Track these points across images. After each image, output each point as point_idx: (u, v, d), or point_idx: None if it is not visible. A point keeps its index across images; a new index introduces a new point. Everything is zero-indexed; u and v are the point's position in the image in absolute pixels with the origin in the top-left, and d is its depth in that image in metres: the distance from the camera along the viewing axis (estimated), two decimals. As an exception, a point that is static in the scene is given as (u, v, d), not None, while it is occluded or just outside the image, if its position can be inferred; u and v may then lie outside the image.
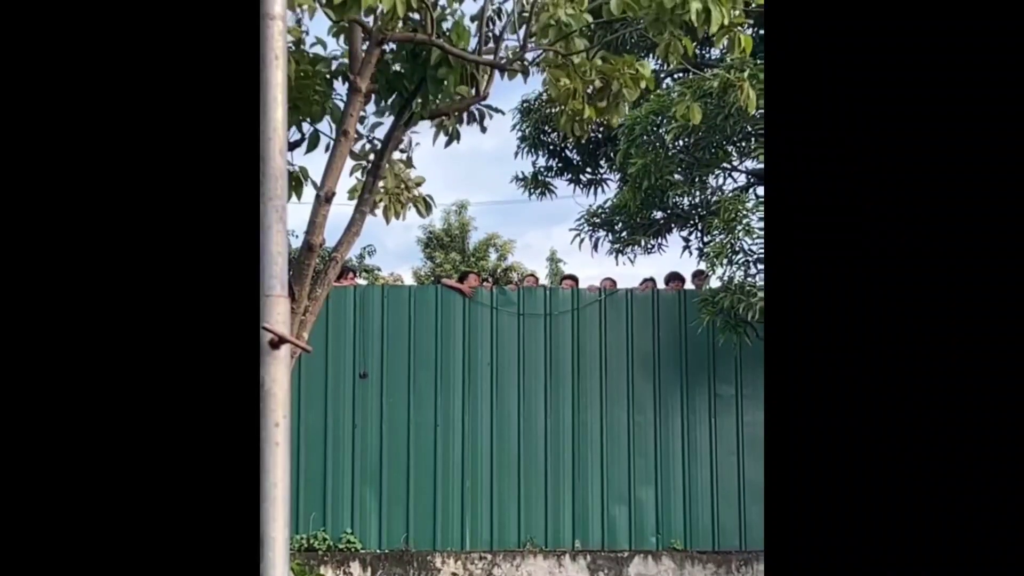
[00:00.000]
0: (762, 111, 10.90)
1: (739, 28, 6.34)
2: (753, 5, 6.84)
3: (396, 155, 7.09)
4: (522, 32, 6.65)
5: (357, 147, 6.90)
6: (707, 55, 13.63)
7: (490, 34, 6.82)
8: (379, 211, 7.11)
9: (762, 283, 11.45)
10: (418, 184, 7.29)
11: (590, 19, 6.48)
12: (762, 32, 8.99)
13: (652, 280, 13.31)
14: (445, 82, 6.33)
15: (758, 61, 11.24)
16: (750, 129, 11.58)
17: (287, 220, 3.46)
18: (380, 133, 6.88)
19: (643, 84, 6.88)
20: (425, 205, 7.39)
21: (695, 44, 6.37)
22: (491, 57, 6.72)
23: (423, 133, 7.14)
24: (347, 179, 6.79)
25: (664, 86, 13.16)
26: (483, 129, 7.22)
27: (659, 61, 13.08)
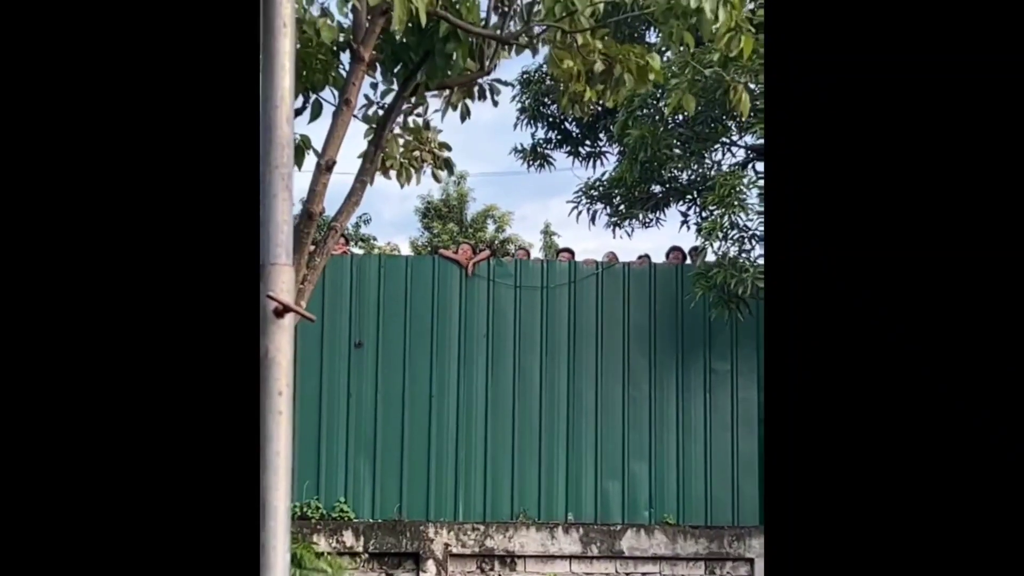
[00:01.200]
0: (761, 86, 10.90)
1: (743, 31, 6.33)
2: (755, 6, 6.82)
3: (413, 118, 7.09)
4: (528, 7, 6.63)
5: (369, 112, 6.90)
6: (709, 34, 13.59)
7: (502, 10, 6.80)
8: (392, 174, 7.11)
9: (755, 259, 11.46)
10: (443, 147, 7.29)
11: (600, 3, 6.45)
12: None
13: (647, 257, 13.29)
14: (454, 56, 6.32)
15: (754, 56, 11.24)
16: (750, 104, 11.55)
17: (293, 189, 3.46)
18: (389, 100, 6.87)
19: (651, 76, 6.87)
20: (447, 166, 7.39)
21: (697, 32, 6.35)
22: (498, 32, 6.70)
23: (434, 98, 7.14)
24: (360, 144, 6.80)
25: (664, 59, 13.13)
26: (495, 103, 7.22)
27: (659, 34, 13.11)
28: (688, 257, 13.13)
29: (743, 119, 9.53)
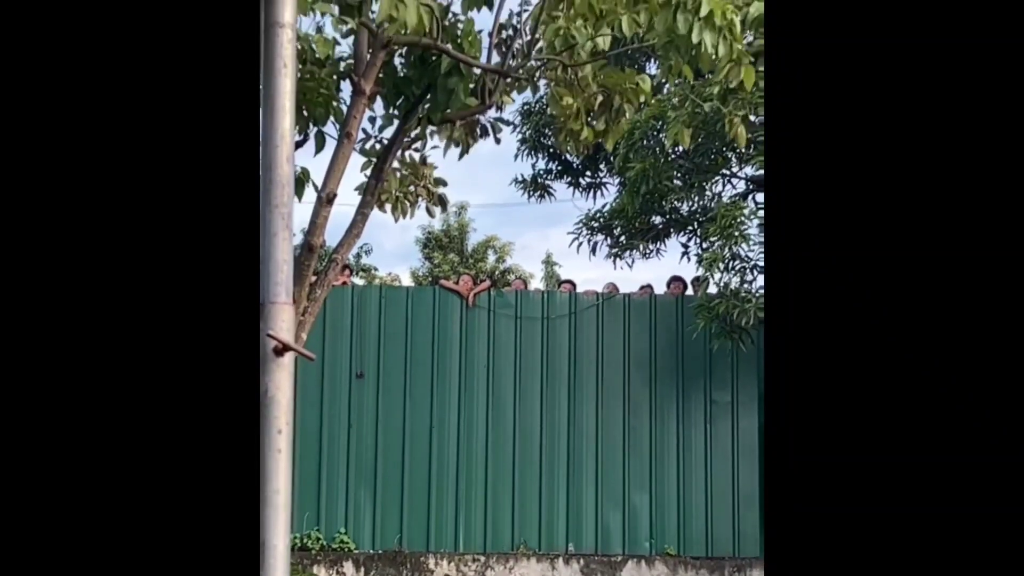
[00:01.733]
0: (760, 117, 10.93)
1: (742, 63, 6.34)
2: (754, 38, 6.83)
3: (410, 153, 7.12)
4: (530, 44, 6.66)
5: (368, 146, 6.93)
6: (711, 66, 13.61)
7: (503, 46, 6.83)
8: (387, 209, 7.14)
9: (757, 290, 11.47)
10: (438, 183, 7.32)
11: (601, 36, 6.47)
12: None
13: (650, 287, 13.32)
14: (454, 91, 6.34)
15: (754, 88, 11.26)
16: (749, 136, 11.57)
17: (293, 227, 3.47)
18: (389, 134, 6.90)
19: (642, 98, 6.90)
20: (440, 203, 7.42)
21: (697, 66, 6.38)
22: (499, 67, 6.73)
23: (429, 138, 7.16)
24: (357, 179, 6.83)
25: (664, 91, 13.17)
26: (497, 141, 7.26)
27: (658, 65, 13.14)
28: (690, 287, 13.14)
29: (741, 150, 9.56)
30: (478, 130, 7.21)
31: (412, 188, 7.27)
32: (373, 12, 6.05)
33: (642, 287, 13.28)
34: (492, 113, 7.16)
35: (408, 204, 7.27)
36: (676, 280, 13.25)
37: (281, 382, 3.34)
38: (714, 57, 6.01)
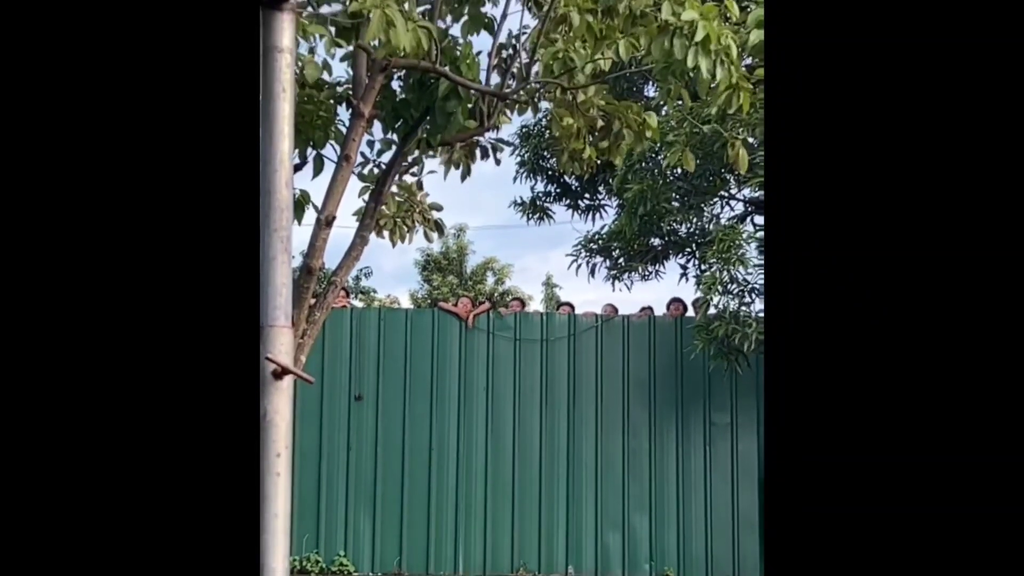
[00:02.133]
0: (759, 140, 10.95)
1: (742, 89, 6.35)
2: (755, 64, 6.85)
3: (407, 178, 7.12)
4: (528, 66, 6.67)
5: (366, 170, 6.93)
6: (708, 91, 13.61)
7: (502, 69, 6.84)
8: (385, 234, 7.14)
9: (756, 313, 11.48)
10: (433, 208, 7.33)
11: (597, 58, 6.49)
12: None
13: (650, 309, 13.33)
14: (453, 114, 6.35)
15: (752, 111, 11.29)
16: (749, 157, 11.57)
17: (291, 250, 3.49)
18: (387, 158, 6.91)
19: (649, 134, 6.92)
20: (437, 229, 7.43)
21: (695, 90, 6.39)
22: (498, 90, 6.74)
23: (429, 163, 7.18)
24: (356, 201, 6.83)
25: (663, 113, 13.19)
26: (497, 162, 7.27)
27: (656, 87, 13.15)
28: (690, 308, 13.14)
29: (742, 173, 9.57)
30: (478, 151, 7.22)
31: (409, 213, 7.27)
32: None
33: (642, 309, 13.29)
34: (491, 134, 7.16)
35: (406, 229, 7.27)
36: (676, 302, 13.26)
37: (280, 405, 3.35)
38: (712, 84, 6.02)
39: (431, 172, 7.31)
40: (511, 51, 6.95)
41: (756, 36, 5.83)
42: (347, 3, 5.88)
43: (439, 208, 7.40)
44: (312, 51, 6.48)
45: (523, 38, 6.87)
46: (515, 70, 6.82)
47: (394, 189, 7.19)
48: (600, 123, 6.89)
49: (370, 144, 6.79)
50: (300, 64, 6.31)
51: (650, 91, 14.01)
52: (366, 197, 6.90)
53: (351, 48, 6.18)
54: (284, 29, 3.55)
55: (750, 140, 10.74)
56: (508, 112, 6.97)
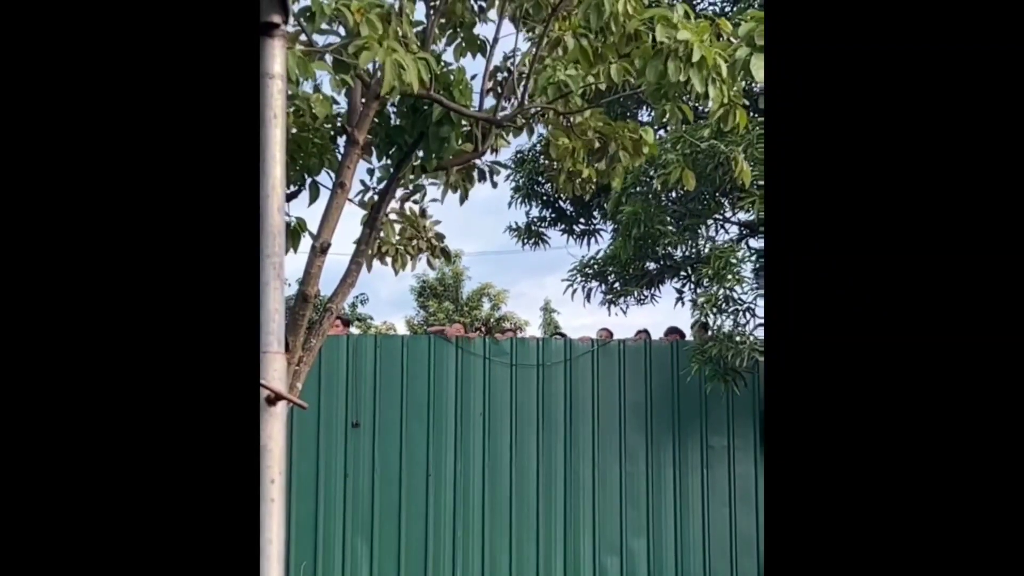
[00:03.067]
0: (752, 162, 10.97)
1: (737, 106, 6.37)
2: (752, 86, 6.87)
3: (409, 205, 7.15)
4: (522, 90, 6.70)
5: (366, 198, 6.95)
6: (704, 107, 13.65)
7: (495, 92, 6.87)
8: (388, 261, 7.16)
9: (751, 332, 11.48)
10: (439, 236, 7.35)
11: (591, 80, 6.52)
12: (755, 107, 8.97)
13: (646, 332, 13.34)
14: (447, 139, 6.38)
15: (750, 112, 11.33)
16: (741, 180, 11.60)
17: (284, 277, 3.49)
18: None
19: (645, 150, 6.94)
20: (444, 255, 7.45)
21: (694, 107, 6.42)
22: (491, 115, 6.77)
23: (434, 184, 7.20)
24: (355, 229, 6.85)
25: (657, 136, 13.22)
26: (494, 185, 7.29)
27: (651, 112, 13.19)
28: (688, 334, 13.16)
29: (746, 187, 9.58)
30: (475, 175, 7.24)
31: (414, 241, 7.29)
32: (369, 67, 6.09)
33: (638, 332, 13.31)
34: (488, 157, 7.19)
35: (408, 256, 7.29)
36: (673, 332, 13.28)
37: (274, 431, 3.35)
38: (708, 103, 6.04)
39: (433, 200, 7.33)
40: (505, 74, 6.98)
41: (743, 52, 5.86)
42: (343, 33, 5.90)
43: (443, 237, 7.42)
44: (317, 88, 6.52)
45: (516, 61, 6.90)
46: (509, 93, 6.84)
47: (393, 216, 7.21)
48: (596, 144, 6.92)
49: (370, 172, 6.82)
50: (308, 102, 6.33)
51: (644, 115, 14.05)
52: (366, 221, 6.93)
53: (349, 80, 6.20)
54: (275, 55, 3.56)
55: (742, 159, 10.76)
56: (505, 135, 7.00)
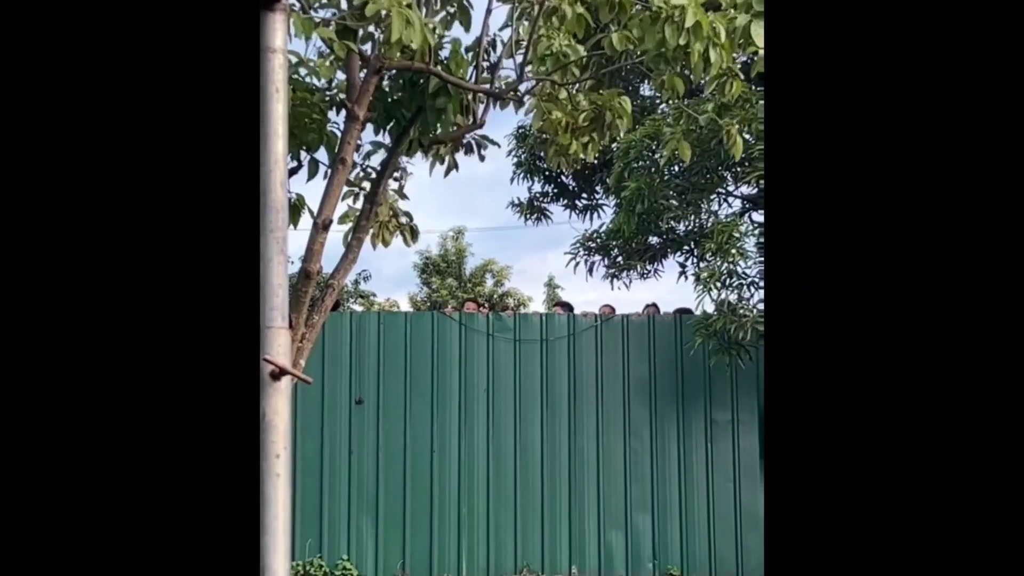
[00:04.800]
0: (755, 135, 10.96)
1: (734, 76, 6.36)
2: (748, 56, 6.85)
3: (390, 184, 7.10)
4: (518, 61, 6.67)
5: (352, 175, 6.91)
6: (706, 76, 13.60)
7: (487, 63, 6.84)
8: (369, 238, 7.14)
9: (755, 305, 11.48)
10: (406, 215, 7.32)
11: (582, 51, 6.49)
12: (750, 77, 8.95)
13: (655, 305, 13.33)
14: (444, 111, 6.35)
15: (751, 86, 11.31)
16: (744, 154, 11.58)
17: (287, 251, 3.48)
18: (374, 161, 6.90)
19: (623, 119, 6.90)
20: (412, 233, 7.42)
21: (689, 78, 6.40)
22: (488, 86, 6.74)
23: (417, 164, 7.16)
24: (340, 206, 6.82)
25: (659, 111, 13.20)
26: (481, 158, 7.25)
27: (654, 92, 13.16)
28: (662, 308, 13.23)
29: (736, 159, 9.57)
30: (463, 148, 7.21)
31: (392, 218, 7.27)
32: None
33: (647, 306, 13.30)
34: (477, 132, 7.16)
35: (388, 233, 7.28)
36: (684, 312, 13.26)
37: (278, 406, 3.34)
38: (705, 68, 6.02)
39: (411, 175, 7.30)
40: (490, 43, 6.93)
41: (743, 19, 5.85)
42: (350, 4, 5.87)
43: (410, 216, 7.40)
44: (321, 54, 6.48)
45: (508, 32, 6.86)
46: (503, 65, 6.81)
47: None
48: (591, 115, 6.88)
49: (357, 148, 6.79)
50: (314, 65, 6.31)
51: (646, 90, 14.02)
52: (350, 202, 6.90)
53: (353, 48, 6.16)
54: (277, 29, 3.55)
55: (746, 135, 10.74)
56: (496, 105, 6.96)
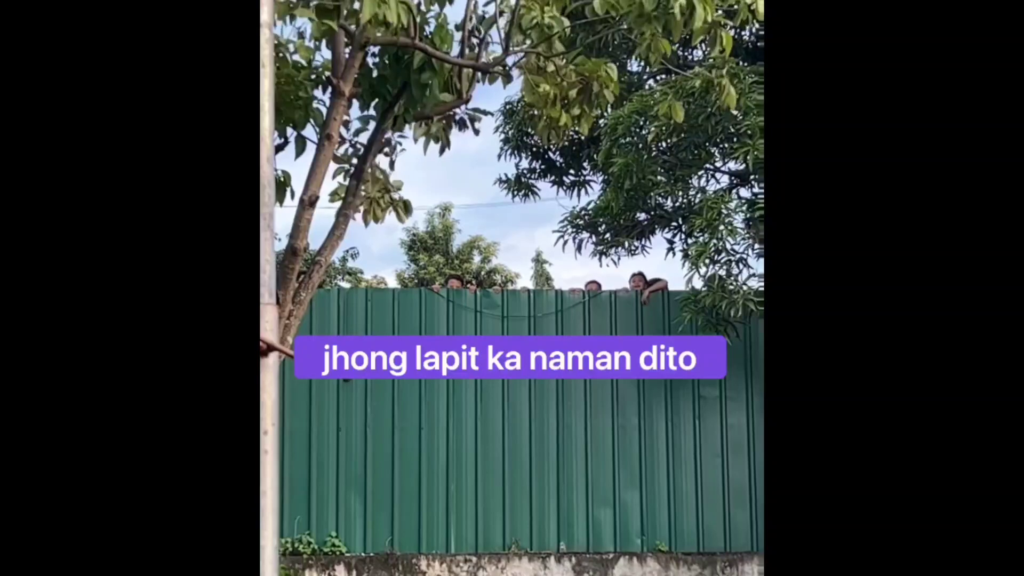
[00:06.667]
0: (743, 110, 10.95)
1: (721, 27, 6.36)
2: (734, 5, 6.83)
3: (379, 159, 7.09)
4: (503, 34, 6.65)
5: (340, 151, 6.89)
6: (689, 56, 13.61)
7: (474, 38, 6.82)
8: (358, 215, 7.11)
9: (743, 282, 11.48)
10: (398, 188, 7.29)
11: (567, 23, 6.48)
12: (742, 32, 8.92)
13: (641, 274, 13.26)
14: (428, 86, 6.33)
15: (739, 62, 11.28)
16: (732, 130, 11.58)
17: (275, 227, 3.47)
18: (364, 138, 6.88)
19: (610, 87, 6.89)
20: (405, 208, 7.39)
21: (676, 46, 6.39)
22: (473, 61, 6.72)
23: (407, 138, 7.14)
24: (329, 182, 6.80)
25: (647, 87, 13.16)
26: (476, 132, 7.24)
27: (640, 63, 13.13)
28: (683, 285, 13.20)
29: (730, 109, 9.52)
30: (455, 124, 7.19)
31: (383, 194, 7.24)
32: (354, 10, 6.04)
33: (634, 275, 13.24)
34: (469, 105, 7.14)
35: (380, 209, 7.25)
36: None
37: (266, 383, 3.34)
38: (688, 27, 6.01)
39: (402, 150, 7.28)
40: (478, 17, 6.92)
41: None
42: None
43: (400, 186, 7.36)
44: (301, 35, 6.45)
45: (493, 7, 6.84)
46: (487, 38, 6.79)
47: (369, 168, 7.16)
48: (578, 87, 6.86)
49: (345, 124, 6.77)
50: (292, 47, 6.28)
51: (633, 66, 13.98)
52: (340, 178, 6.89)
53: (334, 27, 6.14)
54: (263, 4, 3.53)
55: (735, 112, 10.74)
56: (483, 79, 6.94)
